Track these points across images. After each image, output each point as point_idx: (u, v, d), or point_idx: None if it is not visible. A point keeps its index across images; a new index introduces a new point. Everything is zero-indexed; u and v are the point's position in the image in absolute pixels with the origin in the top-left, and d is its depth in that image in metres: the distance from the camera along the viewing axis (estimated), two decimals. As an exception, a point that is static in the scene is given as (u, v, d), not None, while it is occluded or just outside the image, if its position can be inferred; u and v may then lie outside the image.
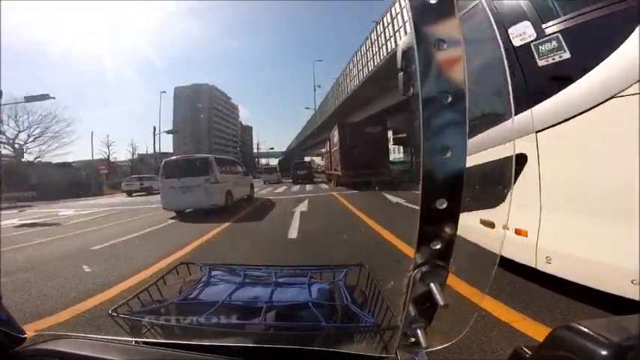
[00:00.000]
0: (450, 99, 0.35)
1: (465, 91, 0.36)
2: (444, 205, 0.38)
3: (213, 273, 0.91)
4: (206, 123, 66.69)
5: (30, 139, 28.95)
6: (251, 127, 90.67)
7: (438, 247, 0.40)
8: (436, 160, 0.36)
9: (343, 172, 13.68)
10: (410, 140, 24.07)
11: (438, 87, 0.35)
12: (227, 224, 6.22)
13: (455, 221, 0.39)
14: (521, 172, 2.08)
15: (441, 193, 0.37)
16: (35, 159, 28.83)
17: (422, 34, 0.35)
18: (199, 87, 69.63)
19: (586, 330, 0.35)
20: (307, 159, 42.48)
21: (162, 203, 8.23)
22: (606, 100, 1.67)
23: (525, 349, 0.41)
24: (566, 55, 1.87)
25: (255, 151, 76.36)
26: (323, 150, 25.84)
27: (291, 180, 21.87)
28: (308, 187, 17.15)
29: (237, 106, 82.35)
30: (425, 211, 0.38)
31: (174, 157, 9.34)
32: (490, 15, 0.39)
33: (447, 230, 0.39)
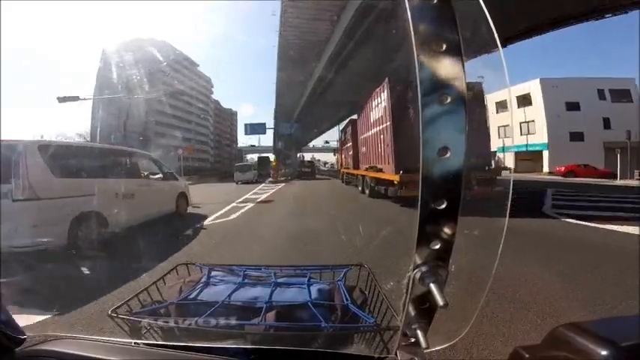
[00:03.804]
0: (449, 99, 0.36)
1: (464, 92, 0.36)
2: (444, 206, 0.38)
3: (213, 273, 0.91)
4: (145, 97, 34.35)
5: None
6: (235, 112, 60.53)
7: (438, 247, 0.40)
8: (435, 161, 0.37)
9: (404, 177, 6.88)
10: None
11: (437, 88, 0.36)
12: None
13: (454, 221, 0.39)
14: None
15: (440, 194, 0.38)
16: None
17: (421, 35, 0.35)
18: (139, 43, 34.21)
19: (585, 330, 0.36)
20: (308, 157, 41.94)
21: None
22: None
23: (525, 349, 0.41)
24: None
25: (240, 145, 54.92)
26: (345, 136, 15.17)
27: (271, 181, 18.11)
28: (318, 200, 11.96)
29: (209, 79, 52.15)
30: (424, 212, 0.38)
31: None
32: (488, 15, 0.39)
33: (447, 230, 0.39)
